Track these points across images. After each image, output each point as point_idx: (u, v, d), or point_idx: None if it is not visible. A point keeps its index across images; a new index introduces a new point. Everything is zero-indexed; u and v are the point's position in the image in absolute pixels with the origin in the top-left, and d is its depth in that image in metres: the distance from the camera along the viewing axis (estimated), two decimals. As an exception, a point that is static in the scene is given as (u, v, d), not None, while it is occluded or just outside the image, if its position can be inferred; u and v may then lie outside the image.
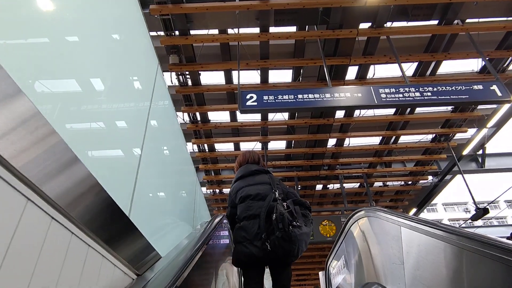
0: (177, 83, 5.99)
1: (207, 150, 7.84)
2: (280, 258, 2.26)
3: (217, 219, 2.72)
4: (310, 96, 4.42)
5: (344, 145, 7.84)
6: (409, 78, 5.95)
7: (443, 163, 9.09)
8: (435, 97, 4.38)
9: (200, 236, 2.22)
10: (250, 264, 2.31)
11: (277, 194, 2.43)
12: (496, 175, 9.78)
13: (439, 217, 45.54)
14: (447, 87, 4.45)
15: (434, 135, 7.70)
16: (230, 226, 2.64)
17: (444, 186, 9.89)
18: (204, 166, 8.18)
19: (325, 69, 4.95)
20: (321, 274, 6.62)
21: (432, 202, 11.10)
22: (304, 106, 4.38)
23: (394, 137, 7.64)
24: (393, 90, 4.48)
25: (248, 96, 4.45)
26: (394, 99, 4.40)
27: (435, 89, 4.45)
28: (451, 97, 4.37)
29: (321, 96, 4.41)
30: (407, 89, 4.48)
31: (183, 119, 7.16)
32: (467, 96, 4.36)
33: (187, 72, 5.83)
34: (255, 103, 4.39)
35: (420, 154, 8.45)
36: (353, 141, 8.17)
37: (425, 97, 4.38)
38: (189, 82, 6.00)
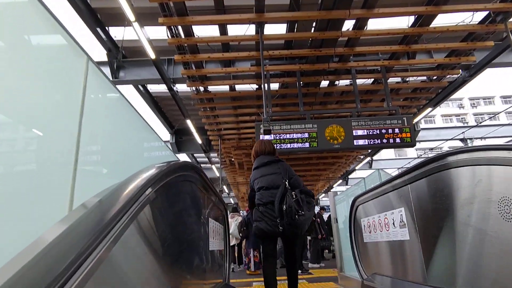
0: None
1: (182, 35, 5.86)
2: (289, 235, 3.03)
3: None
4: None
5: (366, 29, 5.90)
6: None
7: (480, 54, 7.32)
8: None
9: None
10: (266, 237, 3.06)
11: (287, 184, 3.04)
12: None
13: (432, 113, 45.45)
14: None
15: (487, 12, 5.73)
16: (249, 205, 3.35)
17: (469, 81, 8.35)
18: (181, 57, 6.30)
19: None
20: (331, 195, 5.52)
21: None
22: None
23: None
24: None
25: None
26: None
27: None
28: None
29: None
30: None
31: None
32: None
33: None
34: None
35: (459, 41, 6.59)
36: (375, 24, 6.22)
37: None
38: None
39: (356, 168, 16.72)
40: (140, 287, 1.11)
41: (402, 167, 18.95)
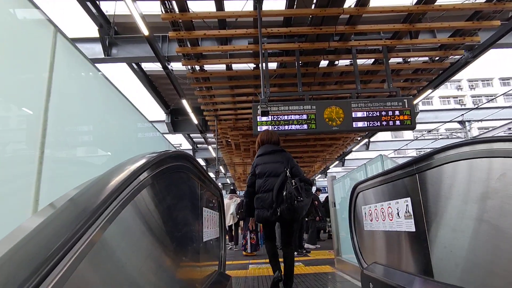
0: None
1: (176, 10, 5.59)
2: (287, 220, 3.35)
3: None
4: None
5: (368, 5, 5.65)
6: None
7: (484, 34, 7.10)
8: None
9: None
10: (266, 222, 3.47)
11: (288, 172, 3.31)
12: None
13: (429, 94, 45.30)
14: None
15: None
16: (247, 188, 3.61)
17: (471, 62, 8.16)
18: (175, 33, 6.04)
19: None
20: (329, 179, 5.44)
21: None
22: None
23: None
24: None
25: None
26: None
27: None
28: None
29: None
30: None
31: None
32: None
33: None
34: None
35: (464, 20, 6.37)
36: (378, 1, 5.96)
37: None
38: None
39: (353, 149, 16.69)
40: (135, 276, 1.00)
41: (399, 149, 18.94)
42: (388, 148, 20.22)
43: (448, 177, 1.43)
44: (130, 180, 0.98)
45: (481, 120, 14.28)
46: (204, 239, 1.82)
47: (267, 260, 3.70)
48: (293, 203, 3.10)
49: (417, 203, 1.72)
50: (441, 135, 17.71)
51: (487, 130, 18.29)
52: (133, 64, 8.74)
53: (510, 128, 14.27)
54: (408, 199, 1.83)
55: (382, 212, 2.19)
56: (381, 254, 2.29)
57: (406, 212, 1.86)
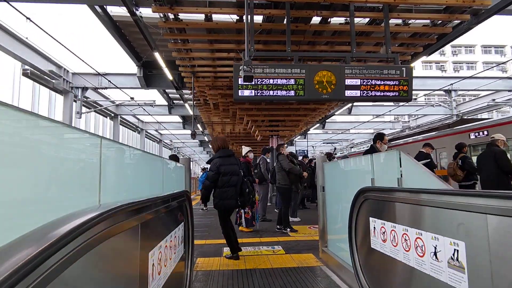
0: None
1: None
2: (235, 208, 4.85)
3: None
4: None
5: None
6: None
7: (494, -3, 6.39)
8: None
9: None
10: (227, 209, 4.71)
11: (242, 173, 4.89)
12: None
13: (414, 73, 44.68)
14: None
15: None
16: (209, 183, 4.61)
17: (473, 28, 7.54)
18: (143, -29, 4.97)
19: None
20: (319, 160, 4.86)
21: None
22: None
23: None
24: None
25: None
26: None
27: None
28: None
29: None
30: None
31: None
32: None
33: None
34: None
35: (477, -22, 5.63)
36: None
37: None
38: None
39: (336, 113, 16.23)
40: None
41: (382, 114, 18.59)
42: (369, 113, 19.93)
43: None
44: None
45: (473, 90, 13.75)
46: (159, 284, 1.24)
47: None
48: (251, 197, 4.91)
49: (481, 256, 1.17)
50: (426, 103, 17.42)
51: (464, 101, 18.16)
52: (96, 7, 7.50)
53: (493, 99, 14.14)
54: (462, 243, 1.27)
55: (405, 239, 1.64)
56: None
57: (452, 259, 1.32)
